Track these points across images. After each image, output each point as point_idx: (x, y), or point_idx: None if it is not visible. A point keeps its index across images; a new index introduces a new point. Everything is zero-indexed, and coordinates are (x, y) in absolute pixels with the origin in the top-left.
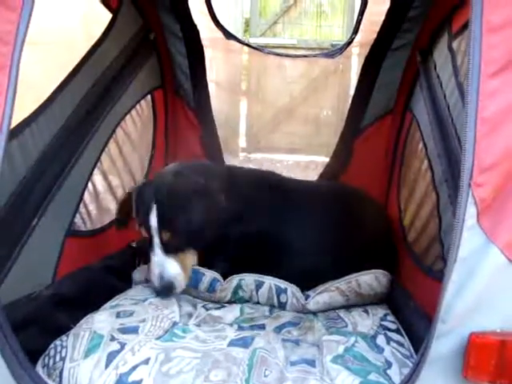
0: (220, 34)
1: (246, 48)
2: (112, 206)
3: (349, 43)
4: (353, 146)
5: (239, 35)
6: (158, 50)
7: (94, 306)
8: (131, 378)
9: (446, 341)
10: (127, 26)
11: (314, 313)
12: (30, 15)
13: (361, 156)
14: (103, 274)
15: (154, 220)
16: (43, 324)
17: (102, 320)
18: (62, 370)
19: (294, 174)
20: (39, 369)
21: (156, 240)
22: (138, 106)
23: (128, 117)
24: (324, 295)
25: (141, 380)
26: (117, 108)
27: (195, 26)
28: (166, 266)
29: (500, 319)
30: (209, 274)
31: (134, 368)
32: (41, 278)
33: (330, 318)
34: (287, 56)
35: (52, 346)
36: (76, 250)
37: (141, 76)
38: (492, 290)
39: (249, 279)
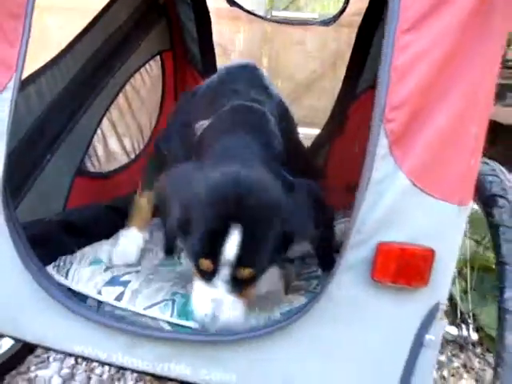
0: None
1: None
2: (119, 154)
3: (341, 13)
4: (348, 111)
5: (262, 8)
6: (168, 15)
7: (98, 238)
8: (122, 279)
9: (359, 249)
10: None
11: (292, 260)
12: None
13: (355, 121)
14: (109, 212)
15: (231, 250)
16: (52, 244)
17: (104, 250)
18: (69, 270)
19: None
20: (49, 269)
21: (224, 273)
22: (147, 65)
23: (137, 74)
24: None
25: (129, 281)
26: (126, 65)
27: None
28: (226, 305)
29: (403, 233)
30: None
31: (127, 273)
32: (52, 207)
33: (305, 263)
34: (287, 24)
35: (61, 257)
36: (84, 189)
37: (150, 38)
38: (398, 209)
39: None
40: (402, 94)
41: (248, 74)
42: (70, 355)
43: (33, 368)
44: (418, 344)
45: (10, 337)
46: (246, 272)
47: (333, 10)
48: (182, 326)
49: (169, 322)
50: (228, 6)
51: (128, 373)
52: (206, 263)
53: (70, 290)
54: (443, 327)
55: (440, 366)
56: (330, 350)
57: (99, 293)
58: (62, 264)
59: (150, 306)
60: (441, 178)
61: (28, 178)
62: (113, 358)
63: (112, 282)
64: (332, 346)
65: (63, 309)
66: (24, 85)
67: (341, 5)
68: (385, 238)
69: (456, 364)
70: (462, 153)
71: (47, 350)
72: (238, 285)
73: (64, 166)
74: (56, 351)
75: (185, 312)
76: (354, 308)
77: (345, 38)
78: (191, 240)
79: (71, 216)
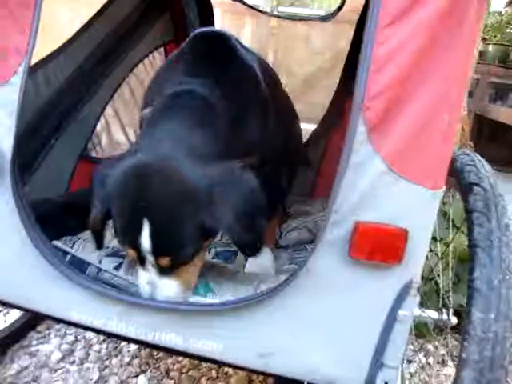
0: None
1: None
2: (123, 143)
3: (339, 9)
4: (344, 106)
5: (268, 4)
6: (173, 7)
7: None
8: (122, 252)
9: (337, 228)
10: None
11: (286, 246)
12: None
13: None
14: None
15: (146, 242)
16: (56, 224)
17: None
18: (75, 242)
19: None
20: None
21: (149, 260)
22: (150, 56)
23: (141, 65)
24: (293, 233)
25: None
26: (131, 55)
27: None
28: (160, 287)
29: (379, 214)
30: None
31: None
32: (56, 188)
33: (297, 250)
34: (286, 18)
35: (64, 237)
36: (87, 172)
37: (155, 29)
38: (374, 191)
39: None
40: (380, 84)
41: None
42: (69, 325)
43: (34, 342)
44: (391, 319)
45: (15, 306)
46: (164, 260)
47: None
48: None
49: None
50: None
51: (125, 349)
52: (130, 252)
53: (71, 263)
54: (416, 303)
55: (426, 353)
56: (308, 322)
57: (100, 262)
58: (66, 240)
59: None
60: (415, 162)
61: (34, 159)
62: (108, 326)
63: (113, 254)
64: (309, 319)
65: (64, 278)
66: (33, 70)
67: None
68: (361, 217)
69: (442, 352)
70: (436, 139)
71: (49, 319)
72: (167, 269)
73: (68, 151)
74: (56, 319)
75: None
76: (332, 283)
77: (348, 35)
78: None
79: (72, 198)
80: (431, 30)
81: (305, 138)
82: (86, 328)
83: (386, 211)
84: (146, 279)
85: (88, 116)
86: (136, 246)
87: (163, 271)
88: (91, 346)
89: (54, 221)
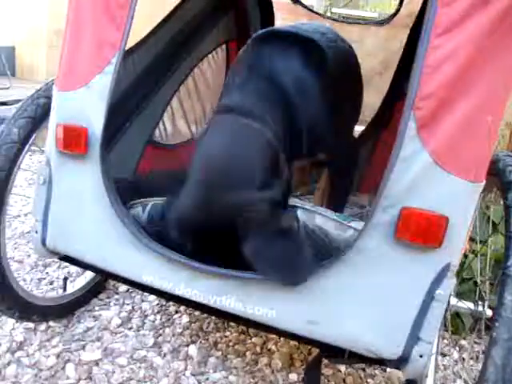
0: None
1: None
2: (184, 130)
3: (395, 14)
4: (394, 108)
5: (322, 4)
6: (237, 7)
7: None
8: None
9: (385, 212)
10: None
11: None
12: None
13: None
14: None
15: None
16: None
17: None
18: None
19: None
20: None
21: None
22: (214, 52)
23: (205, 60)
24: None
25: None
26: (197, 51)
27: None
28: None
29: (423, 201)
30: None
31: None
32: (126, 169)
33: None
34: (341, 22)
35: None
36: (153, 156)
37: (219, 28)
38: (420, 181)
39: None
40: (431, 86)
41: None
42: (139, 288)
43: (97, 308)
44: (429, 297)
45: (91, 266)
46: None
47: (392, 10)
48: None
49: None
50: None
51: (177, 321)
52: None
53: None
54: (452, 285)
55: (461, 349)
56: (354, 295)
57: None
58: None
59: None
60: (459, 157)
61: (112, 139)
62: (176, 290)
63: None
64: (355, 292)
65: (138, 243)
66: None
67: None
68: (407, 203)
69: (476, 349)
70: (479, 137)
71: (122, 281)
72: None
73: (139, 134)
74: (128, 281)
75: None
76: (378, 261)
77: (401, 38)
78: None
79: (139, 178)
80: (482, 39)
81: None
82: (155, 292)
83: (429, 200)
84: None
85: (158, 104)
86: None
87: None
88: (146, 316)
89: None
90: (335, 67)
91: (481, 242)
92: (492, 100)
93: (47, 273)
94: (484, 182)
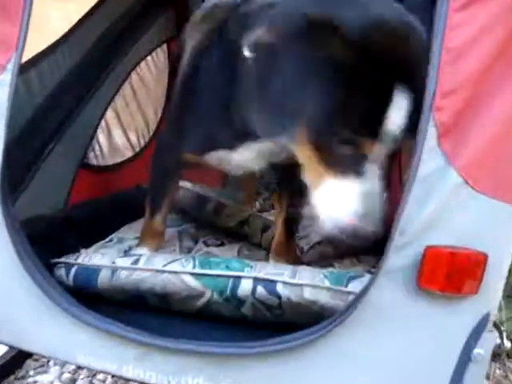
0: None
1: None
2: (124, 147)
3: None
4: None
5: None
6: (176, 2)
7: (102, 234)
8: (134, 252)
9: (402, 253)
10: None
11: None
12: None
13: None
14: (111, 207)
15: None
16: (54, 243)
17: (107, 252)
18: (78, 257)
19: None
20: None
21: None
22: (153, 54)
23: (143, 63)
24: (316, 248)
25: (143, 253)
26: (132, 52)
27: None
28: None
29: (453, 236)
30: (214, 198)
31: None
32: (53, 202)
33: (322, 266)
34: None
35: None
36: (87, 182)
37: (157, 25)
38: (448, 209)
39: (258, 221)
40: (455, 79)
41: None
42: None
43: (32, 373)
44: (465, 358)
45: (7, 345)
46: None
47: None
48: (207, 276)
49: (192, 274)
50: None
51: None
52: None
53: (77, 276)
54: (494, 340)
55: None
56: (367, 363)
57: (113, 263)
58: (67, 257)
59: (170, 263)
60: (494, 174)
61: (29, 169)
62: (123, 371)
63: (126, 255)
64: (367, 361)
65: (66, 315)
66: (24, 68)
67: None
68: (432, 240)
69: (497, 372)
70: None
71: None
72: None
73: (67, 158)
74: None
75: (208, 262)
76: (396, 317)
77: None
78: None
79: (72, 212)
80: None
81: None
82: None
83: (461, 232)
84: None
85: (88, 118)
86: None
87: None
88: (95, 375)
89: (51, 240)
90: None
91: None
92: None
93: None
94: None
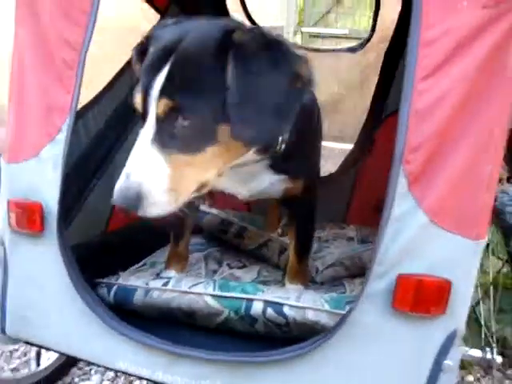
0: None
1: None
2: None
3: (368, 40)
4: (375, 134)
5: (292, 24)
6: None
7: (136, 257)
8: (165, 275)
9: (380, 280)
10: None
11: (322, 283)
12: (93, 29)
13: (382, 143)
14: (144, 233)
15: (158, 82)
16: (94, 266)
17: (142, 275)
18: (118, 278)
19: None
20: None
21: (150, 116)
22: None
23: None
24: (330, 270)
25: (170, 277)
26: None
27: None
28: (144, 161)
29: (422, 266)
30: (237, 223)
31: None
32: (95, 230)
33: (334, 285)
34: (314, 50)
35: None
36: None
37: None
38: (418, 243)
39: (276, 244)
40: (420, 136)
41: None
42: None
43: (76, 379)
44: (436, 368)
45: (58, 352)
46: (164, 105)
47: (363, 26)
48: (224, 298)
49: (212, 295)
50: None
51: None
52: (137, 97)
53: (117, 294)
54: (461, 353)
55: None
56: (352, 373)
57: (147, 284)
58: (108, 278)
59: (194, 285)
60: (457, 213)
61: (77, 203)
62: (154, 376)
63: (157, 277)
64: (353, 370)
65: (108, 328)
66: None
67: (370, 21)
68: (404, 269)
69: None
70: (477, 190)
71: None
72: (168, 137)
73: (107, 191)
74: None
75: (227, 286)
76: (376, 334)
77: (370, 62)
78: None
79: (109, 238)
80: (472, 79)
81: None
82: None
83: (429, 263)
84: (136, 151)
85: (123, 159)
86: (147, 90)
87: (160, 140)
88: (131, 382)
89: (92, 263)
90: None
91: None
92: (489, 145)
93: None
94: (486, 238)
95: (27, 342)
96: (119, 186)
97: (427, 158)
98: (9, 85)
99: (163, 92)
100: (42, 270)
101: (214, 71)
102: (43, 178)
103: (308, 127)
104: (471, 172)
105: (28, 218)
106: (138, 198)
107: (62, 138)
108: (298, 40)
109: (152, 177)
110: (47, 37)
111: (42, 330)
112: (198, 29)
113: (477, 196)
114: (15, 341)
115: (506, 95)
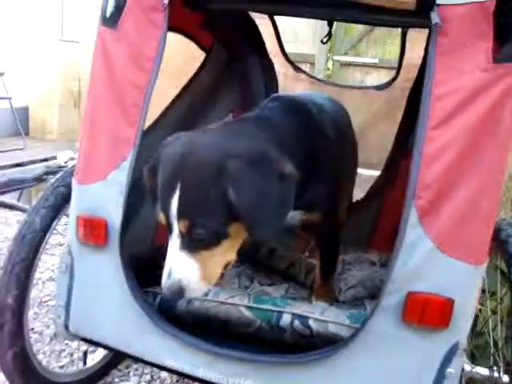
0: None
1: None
2: None
3: (393, 79)
4: (399, 166)
5: (324, 52)
6: (241, 76)
7: None
8: None
9: (393, 296)
10: (217, 61)
11: (344, 302)
12: (157, 74)
13: (405, 176)
14: None
15: (174, 205)
16: (142, 276)
17: None
18: None
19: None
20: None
21: (175, 228)
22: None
23: None
24: (352, 290)
25: (210, 289)
26: (206, 120)
27: (271, 61)
28: (178, 262)
29: (428, 285)
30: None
31: None
32: (144, 244)
33: (355, 304)
34: (340, 86)
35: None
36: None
37: (225, 98)
38: (425, 266)
39: (303, 264)
40: (430, 177)
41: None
42: (161, 368)
43: (116, 380)
44: (440, 376)
45: (115, 350)
46: (183, 224)
47: (393, 55)
48: (258, 309)
49: (247, 307)
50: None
51: None
52: (160, 216)
53: (162, 302)
54: (462, 363)
55: None
56: (365, 377)
57: None
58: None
59: (231, 297)
60: (460, 242)
61: (130, 218)
62: (195, 372)
63: None
64: (366, 374)
65: (158, 329)
66: None
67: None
68: (413, 288)
69: None
70: (478, 222)
71: (143, 363)
72: (190, 245)
73: (152, 211)
74: (150, 364)
75: (259, 299)
76: (387, 342)
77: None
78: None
79: (154, 253)
80: (475, 128)
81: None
82: (173, 371)
83: (434, 283)
84: (170, 255)
85: None
86: (167, 211)
87: (186, 246)
88: None
89: (141, 273)
90: (332, 131)
91: (492, 294)
92: (489, 185)
93: (67, 343)
94: (486, 264)
95: (83, 339)
96: (164, 283)
97: (436, 194)
98: (83, 116)
99: (180, 214)
100: (104, 277)
101: (216, 191)
102: (109, 199)
103: (317, 164)
104: (473, 207)
105: (94, 232)
106: (180, 291)
107: (127, 165)
108: (329, 67)
109: (186, 273)
110: (118, 80)
111: (100, 328)
112: (197, 155)
113: (477, 228)
114: (74, 337)
115: (504, 143)
